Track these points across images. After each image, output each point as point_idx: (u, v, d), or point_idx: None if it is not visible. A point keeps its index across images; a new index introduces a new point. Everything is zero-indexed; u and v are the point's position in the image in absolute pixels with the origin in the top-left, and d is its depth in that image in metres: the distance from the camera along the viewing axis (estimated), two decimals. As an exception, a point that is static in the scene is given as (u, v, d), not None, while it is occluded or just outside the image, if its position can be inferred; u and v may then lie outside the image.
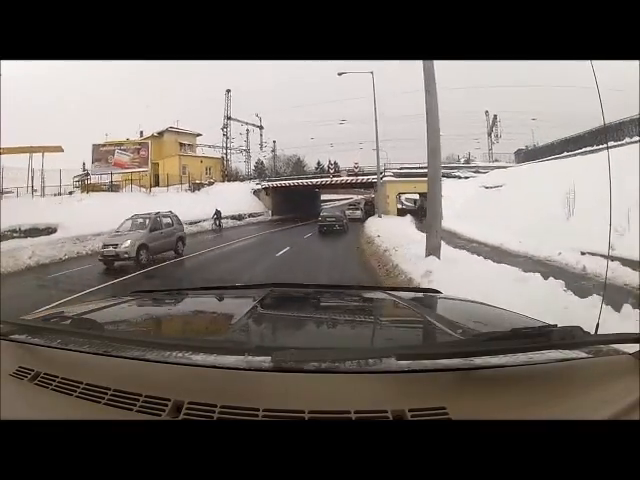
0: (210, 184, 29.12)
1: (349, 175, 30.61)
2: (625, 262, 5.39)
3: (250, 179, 34.94)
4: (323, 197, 47.85)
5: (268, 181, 32.46)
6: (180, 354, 0.74)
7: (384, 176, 24.89)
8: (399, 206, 27.13)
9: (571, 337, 0.74)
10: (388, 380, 0.67)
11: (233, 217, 24.69)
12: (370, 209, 28.32)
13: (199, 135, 35.08)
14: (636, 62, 0.92)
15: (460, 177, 24.96)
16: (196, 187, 27.44)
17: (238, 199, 26.21)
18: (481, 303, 1.36)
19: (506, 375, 0.68)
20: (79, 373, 0.73)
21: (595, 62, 1.05)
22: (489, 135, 33.78)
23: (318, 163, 31.69)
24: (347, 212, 22.60)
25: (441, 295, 1.57)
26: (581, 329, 0.75)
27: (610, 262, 4.80)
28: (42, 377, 0.74)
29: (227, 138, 37.52)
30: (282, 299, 1.45)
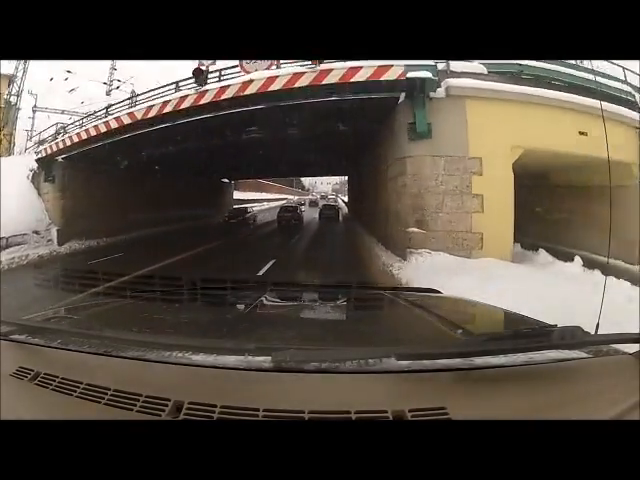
0: None
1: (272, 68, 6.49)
2: None
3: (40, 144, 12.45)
4: (237, 196, 26.15)
5: (56, 136, 11.03)
6: (180, 354, 0.74)
7: (450, 74, 5.82)
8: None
9: (571, 337, 0.74)
10: (388, 380, 0.67)
11: None
12: (336, 213, 19.68)
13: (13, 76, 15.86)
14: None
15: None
16: None
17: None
18: (481, 303, 1.36)
19: (506, 375, 0.68)
20: (79, 373, 0.73)
21: None
22: None
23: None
24: (325, 212, 21.02)
25: (441, 295, 1.57)
26: (581, 329, 0.75)
27: None
28: (42, 377, 0.74)
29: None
30: (282, 299, 1.45)
